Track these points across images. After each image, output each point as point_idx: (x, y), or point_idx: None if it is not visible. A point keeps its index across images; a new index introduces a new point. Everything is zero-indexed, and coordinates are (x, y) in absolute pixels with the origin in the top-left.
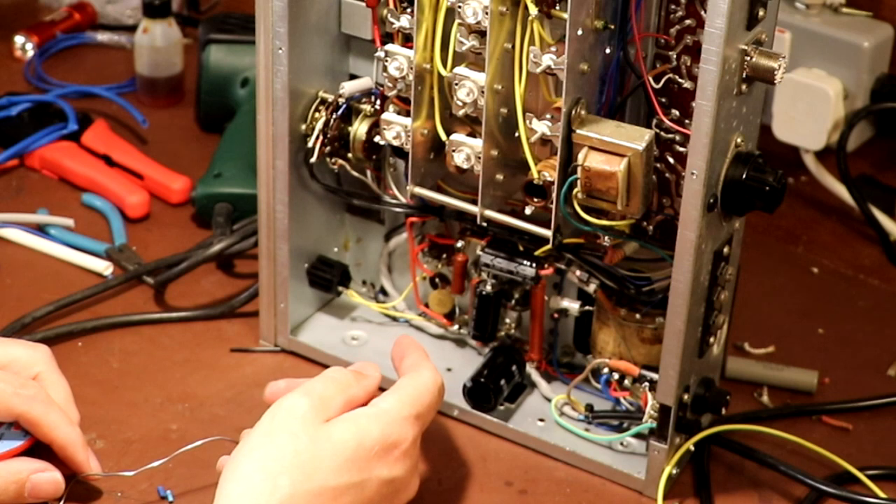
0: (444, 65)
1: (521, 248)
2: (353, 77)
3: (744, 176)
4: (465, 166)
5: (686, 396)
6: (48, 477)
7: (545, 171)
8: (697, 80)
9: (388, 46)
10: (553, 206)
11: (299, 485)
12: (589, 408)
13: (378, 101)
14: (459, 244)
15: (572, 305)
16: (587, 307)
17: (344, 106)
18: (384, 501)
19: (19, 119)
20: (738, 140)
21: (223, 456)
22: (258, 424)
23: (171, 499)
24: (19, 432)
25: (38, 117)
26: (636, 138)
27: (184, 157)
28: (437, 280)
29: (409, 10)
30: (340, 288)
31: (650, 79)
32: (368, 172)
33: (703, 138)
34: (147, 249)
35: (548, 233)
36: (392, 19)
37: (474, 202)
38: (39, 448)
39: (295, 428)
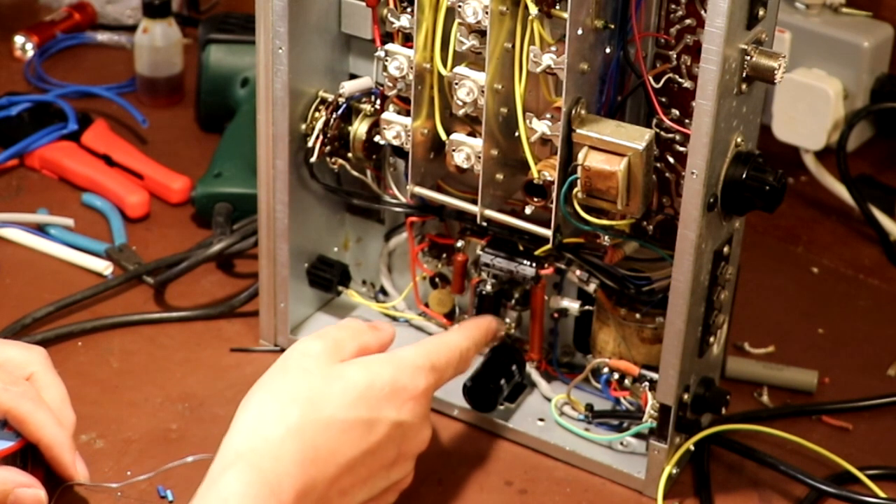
0: (445, 64)
1: (521, 248)
2: (353, 77)
3: (744, 176)
4: (465, 166)
5: (686, 396)
6: (32, 493)
7: (545, 171)
8: (697, 79)
9: (388, 46)
10: (553, 206)
11: (308, 414)
12: (589, 408)
13: (378, 101)
14: (459, 244)
15: (572, 305)
16: (587, 307)
17: (344, 105)
18: (392, 445)
19: (19, 119)
20: (738, 140)
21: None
22: (273, 365)
23: (171, 498)
24: (11, 433)
25: (38, 117)
26: (636, 138)
27: (184, 157)
28: (437, 280)
29: (409, 10)
30: (340, 288)
31: (650, 78)
32: (368, 172)
33: (703, 138)
34: (147, 249)
35: (548, 232)
36: (392, 19)
37: (474, 202)
38: (30, 452)
39: (308, 365)
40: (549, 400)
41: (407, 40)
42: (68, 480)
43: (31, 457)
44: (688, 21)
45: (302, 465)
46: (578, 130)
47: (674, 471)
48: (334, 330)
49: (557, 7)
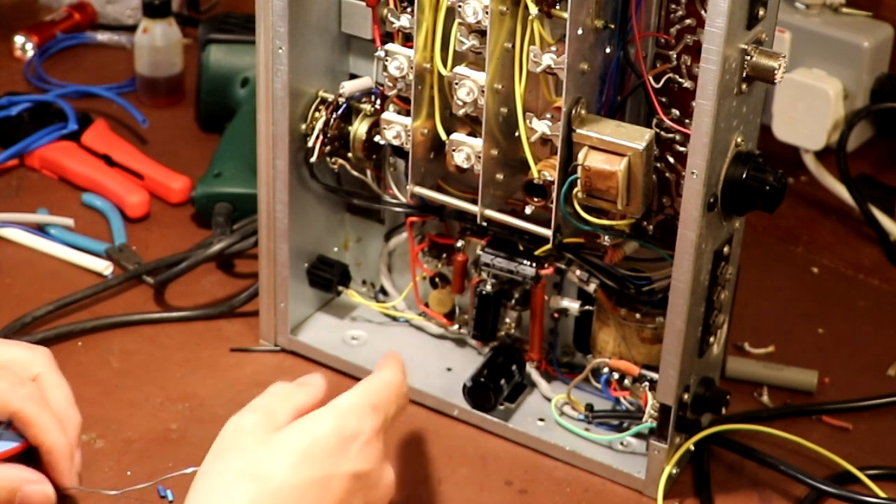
0: (445, 64)
1: (521, 248)
2: (353, 76)
3: (744, 176)
4: (465, 166)
5: (686, 396)
6: (40, 490)
7: (545, 171)
8: (697, 79)
9: (389, 46)
10: (553, 206)
11: (258, 490)
12: (589, 407)
13: (378, 101)
14: (459, 244)
15: (572, 305)
16: (587, 307)
17: (344, 105)
18: (356, 498)
19: (19, 119)
20: (738, 140)
21: None
22: (210, 450)
23: (171, 498)
24: (15, 434)
25: (38, 117)
26: (636, 138)
27: (184, 157)
28: (437, 280)
29: (409, 10)
30: (340, 288)
31: (650, 78)
32: (368, 172)
33: (703, 138)
34: (147, 249)
35: (548, 232)
36: (392, 19)
37: (474, 202)
38: (34, 453)
39: (244, 442)
40: (549, 400)
41: (407, 40)
42: (60, 487)
43: (35, 458)
44: (688, 21)
45: None
46: (578, 130)
47: (674, 471)
48: (263, 399)
49: (557, 7)
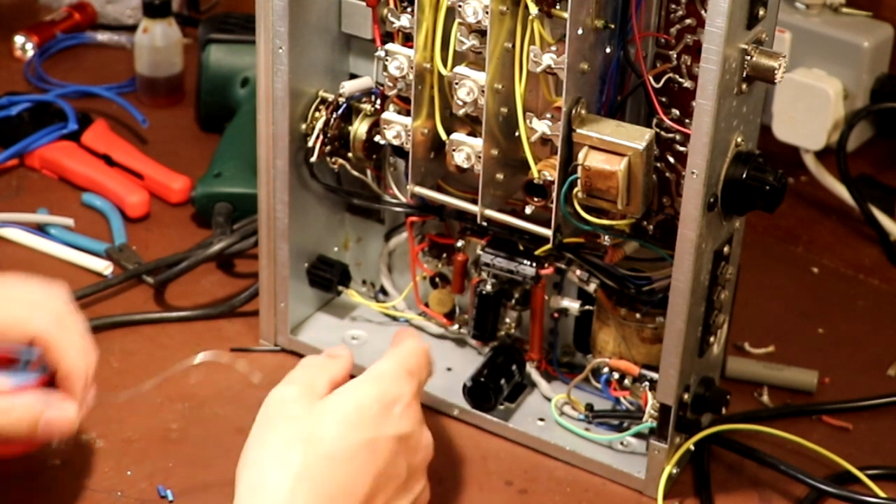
0: (445, 64)
1: (521, 248)
2: (353, 76)
3: (744, 175)
4: (465, 166)
5: (686, 396)
6: (62, 414)
7: (545, 171)
8: (697, 79)
9: (389, 46)
10: (553, 206)
11: (309, 455)
12: (589, 407)
13: (378, 101)
14: (459, 244)
15: (572, 305)
16: (587, 307)
17: (344, 105)
18: (400, 460)
19: (19, 119)
20: (739, 140)
21: None
22: (255, 422)
23: (171, 498)
24: (34, 371)
25: (38, 117)
26: (636, 138)
27: (184, 157)
28: (437, 280)
29: (409, 10)
30: (340, 287)
31: (650, 78)
32: (368, 172)
33: (704, 138)
34: (147, 249)
35: (548, 232)
36: (392, 19)
37: (474, 202)
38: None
39: (291, 410)
40: (549, 400)
41: (407, 40)
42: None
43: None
44: (688, 21)
45: None
46: (578, 130)
47: (674, 471)
48: (301, 371)
49: (557, 7)
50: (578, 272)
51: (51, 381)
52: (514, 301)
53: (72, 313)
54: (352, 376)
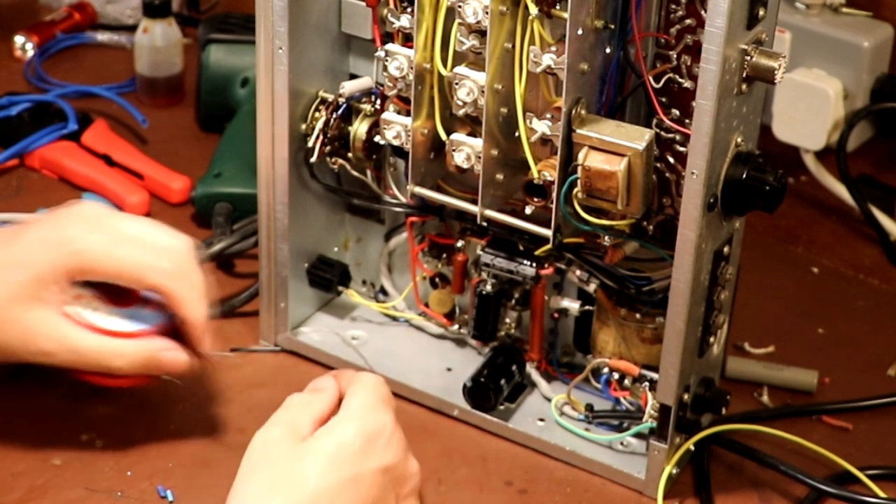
0: (445, 64)
1: (521, 248)
2: (353, 77)
3: (744, 176)
4: (465, 166)
5: (686, 396)
6: (174, 355)
7: (545, 171)
8: (697, 79)
9: (389, 46)
10: (553, 206)
11: (292, 498)
12: (589, 408)
13: (378, 101)
14: (459, 244)
15: (572, 305)
16: (587, 307)
17: (344, 105)
18: (387, 491)
19: (19, 119)
20: (739, 140)
21: None
22: (240, 466)
23: (170, 499)
24: (152, 312)
25: (38, 117)
26: (636, 138)
27: (184, 157)
28: (437, 280)
29: (409, 10)
30: (340, 288)
31: (650, 78)
32: (368, 172)
33: (704, 138)
34: None
35: (548, 232)
36: (392, 19)
37: (474, 202)
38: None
39: (274, 455)
40: (549, 400)
41: (407, 40)
42: (194, 353)
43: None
44: (688, 21)
45: None
46: (578, 130)
47: (674, 471)
48: (284, 413)
49: (557, 7)
50: (578, 272)
51: (172, 327)
52: (514, 301)
53: (193, 265)
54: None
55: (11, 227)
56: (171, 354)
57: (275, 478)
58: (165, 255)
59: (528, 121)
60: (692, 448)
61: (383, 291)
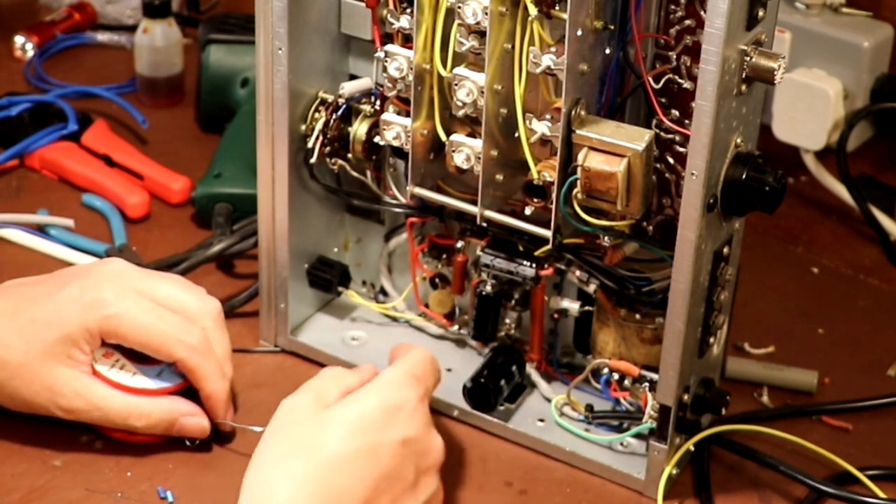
0: (444, 65)
1: (520, 249)
2: (352, 77)
3: (744, 176)
4: (464, 166)
5: (686, 396)
6: (196, 422)
7: (545, 172)
8: (697, 80)
9: (388, 47)
10: (553, 207)
11: (310, 461)
12: (589, 408)
13: (378, 102)
14: (459, 244)
15: (572, 305)
16: (587, 307)
17: (344, 106)
18: (406, 464)
19: (19, 119)
20: (738, 140)
21: None
22: (266, 429)
23: (171, 499)
24: (178, 373)
25: (38, 117)
26: (636, 138)
27: (184, 157)
28: (437, 280)
29: (408, 11)
30: (340, 288)
31: (650, 79)
32: (368, 173)
33: (703, 138)
34: (147, 249)
35: (548, 233)
36: (392, 20)
37: (474, 202)
38: (192, 391)
39: (296, 418)
40: (549, 400)
41: (407, 41)
42: (214, 422)
43: (193, 393)
44: (687, 22)
45: None
46: (578, 131)
47: (674, 471)
48: (316, 381)
49: (557, 8)
50: (578, 273)
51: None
52: (513, 302)
53: (219, 332)
54: None
55: (46, 283)
56: (193, 420)
57: (295, 441)
58: (194, 327)
59: (527, 121)
60: (692, 448)
61: (383, 292)
